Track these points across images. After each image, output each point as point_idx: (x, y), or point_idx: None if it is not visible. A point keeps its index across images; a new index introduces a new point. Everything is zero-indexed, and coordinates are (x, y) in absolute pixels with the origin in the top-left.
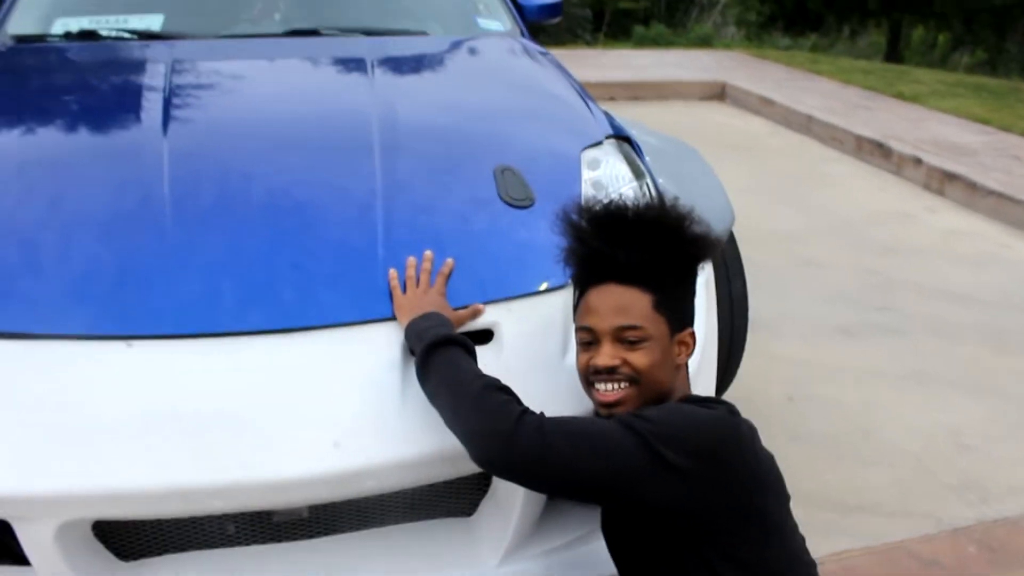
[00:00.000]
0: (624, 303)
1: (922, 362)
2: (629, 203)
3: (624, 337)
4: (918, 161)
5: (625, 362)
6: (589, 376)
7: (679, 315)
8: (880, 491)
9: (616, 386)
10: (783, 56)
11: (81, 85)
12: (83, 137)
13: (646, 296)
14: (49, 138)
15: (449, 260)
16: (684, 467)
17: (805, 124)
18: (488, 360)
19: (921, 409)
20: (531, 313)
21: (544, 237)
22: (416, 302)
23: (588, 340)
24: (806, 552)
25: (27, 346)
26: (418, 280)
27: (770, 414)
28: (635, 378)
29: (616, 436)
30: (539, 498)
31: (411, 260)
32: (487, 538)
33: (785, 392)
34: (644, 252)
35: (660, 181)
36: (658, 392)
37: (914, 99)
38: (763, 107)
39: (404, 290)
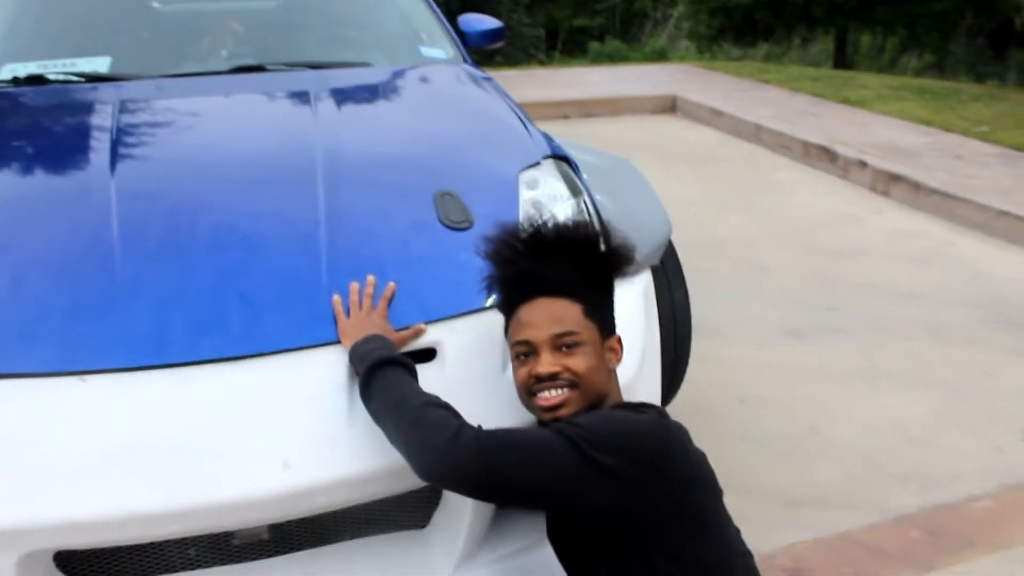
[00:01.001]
0: (557, 313)
1: (869, 359)
2: (549, 223)
3: (561, 343)
4: (863, 164)
5: (565, 368)
6: (531, 387)
7: (606, 323)
8: (828, 485)
9: (558, 391)
10: (733, 67)
11: (30, 129)
12: (33, 180)
13: (576, 305)
14: None
15: (391, 284)
16: (617, 470)
17: (754, 133)
18: (432, 377)
19: (868, 405)
20: (471, 330)
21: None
22: (359, 325)
23: (526, 352)
24: (741, 543)
25: None
26: (361, 304)
27: (722, 416)
28: (575, 382)
29: (551, 444)
30: (488, 508)
31: (354, 285)
32: (440, 548)
33: (736, 395)
34: (568, 266)
35: (598, 197)
36: (596, 396)
37: (860, 104)
38: (713, 118)
39: (348, 315)
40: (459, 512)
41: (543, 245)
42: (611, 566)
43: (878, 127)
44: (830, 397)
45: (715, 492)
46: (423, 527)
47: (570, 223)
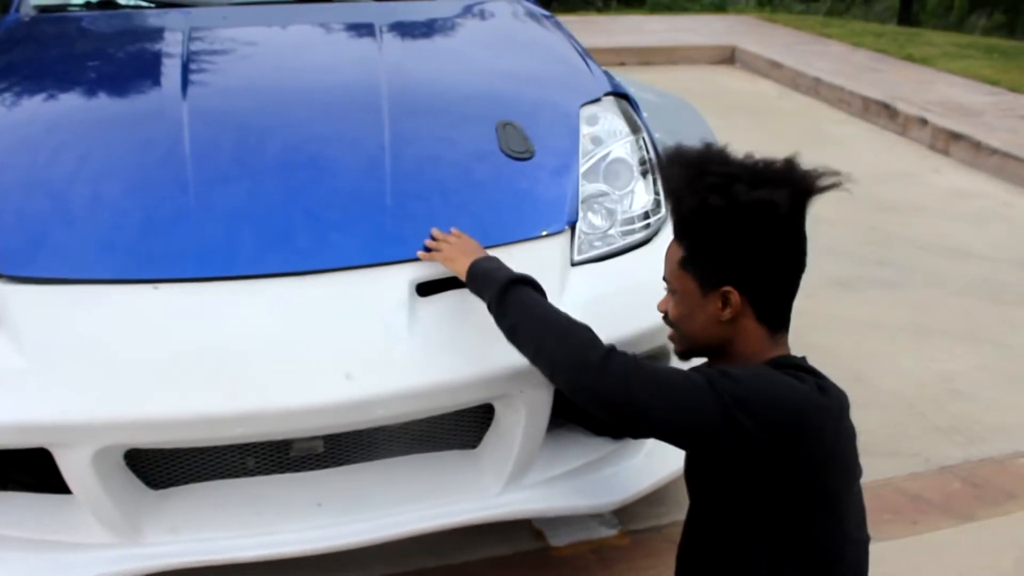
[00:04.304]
0: (667, 254)
1: (918, 314)
2: (683, 156)
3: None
4: (924, 122)
5: (666, 311)
6: None
7: (710, 272)
8: (871, 433)
9: (670, 329)
10: (794, 20)
11: (103, 51)
12: (108, 100)
13: (679, 251)
14: (76, 101)
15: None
16: (751, 432)
17: (813, 87)
18: None
19: (915, 358)
20: (531, 256)
21: (543, 187)
22: (465, 245)
23: None
24: (861, 528)
25: (64, 290)
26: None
27: None
28: (673, 321)
29: (697, 390)
30: (538, 431)
31: (433, 230)
32: (490, 468)
33: None
34: (684, 204)
35: (657, 135)
36: (700, 345)
37: (924, 61)
38: (772, 70)
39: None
40: (510, 434)
41: (668, 180)
42: (730, 512)
43: (941, 85)
44: (876, 348)
45: (849, 475)
46: (474, 447)
47: (687, 158)
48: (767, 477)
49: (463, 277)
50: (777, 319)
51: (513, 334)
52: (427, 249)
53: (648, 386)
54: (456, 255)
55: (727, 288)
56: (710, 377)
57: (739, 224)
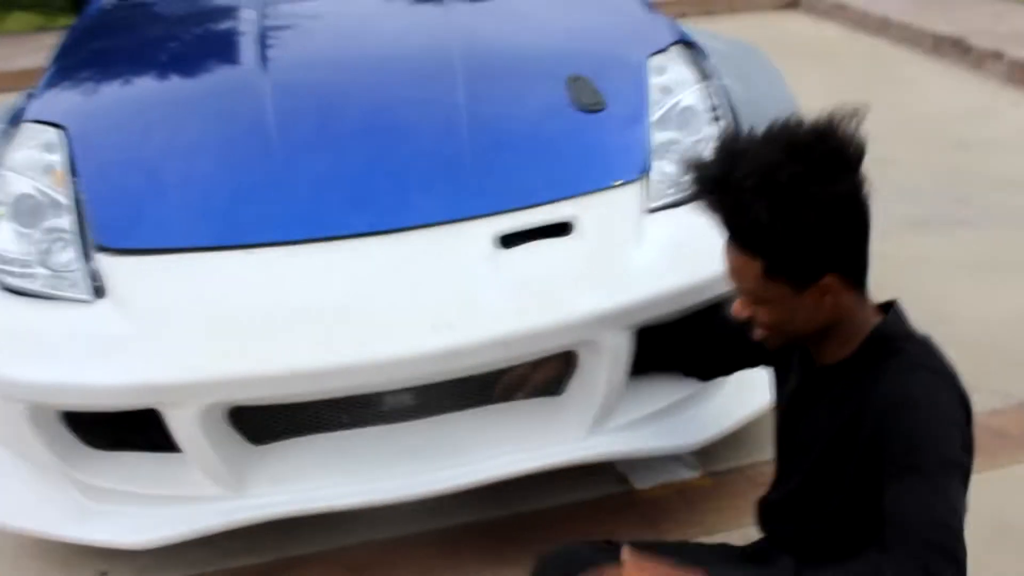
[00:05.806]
0: (735, 267)
1: (998, 252)
2: (748, 148)
3: (745, 295)
4: (999, 55)
5: (753, 315)
6: None
7: (804, 270)
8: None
9: (756, 330)
10: None
11: (185, 31)
12: (193, 77)
13: (755, 262)
14: (163, 80)
15: None
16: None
17: (880, 26)
18: (570, 248)
19: (996, 295)
20: (606, 206)
21: (615, 138)
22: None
23: None
24: None
25: (164, 259)
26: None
27: None
28: (767, 326)
29: (959, 486)
30: (620, 376)
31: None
32: (574, 415)
33: None
34: (756, 208)
35: (726, 82)
36: (804, 336)
37: None
38: (837, 12)
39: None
40: (593, 380)
41: (726, 179)
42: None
43: (1015, 17)
44: (957, 287)
45: None
46: (558, 394)
47: (765, 159)
48: None
49: None
50: (864, 279)
51: None
52: None
53: (952, 523)
54: None
55: (826, 279)
56: (947, 464)
57: (831, 215)
